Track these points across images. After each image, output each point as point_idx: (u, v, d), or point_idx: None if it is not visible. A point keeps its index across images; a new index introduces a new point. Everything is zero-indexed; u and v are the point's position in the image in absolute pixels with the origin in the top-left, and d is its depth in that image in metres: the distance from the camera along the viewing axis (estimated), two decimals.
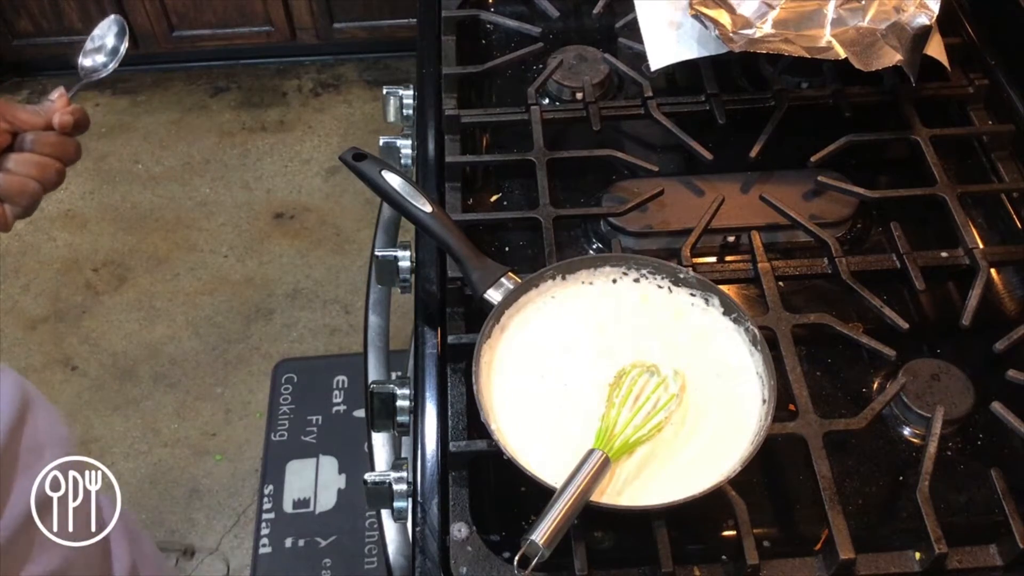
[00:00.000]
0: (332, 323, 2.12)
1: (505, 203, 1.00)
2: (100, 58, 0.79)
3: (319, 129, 2.54)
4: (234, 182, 2.42)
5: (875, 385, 0.82)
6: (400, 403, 0.84)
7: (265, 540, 1.78)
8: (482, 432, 0.71)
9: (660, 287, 0.80)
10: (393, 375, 0.91)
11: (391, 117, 1.13)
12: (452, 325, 0.83)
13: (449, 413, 0.77)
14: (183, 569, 1.75)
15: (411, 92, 1.11)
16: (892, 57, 0.92)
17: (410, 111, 1.10)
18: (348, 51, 2.67)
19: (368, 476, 0.81)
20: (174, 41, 2.53)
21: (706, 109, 1.01)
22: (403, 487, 0.80)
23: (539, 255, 0.87)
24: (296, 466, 1.89)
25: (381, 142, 1.09)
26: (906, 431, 0.78)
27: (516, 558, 0.62)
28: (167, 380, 2.03)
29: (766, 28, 0.96)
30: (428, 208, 0.79)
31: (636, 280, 0.80)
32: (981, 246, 0.86)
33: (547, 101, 1.06)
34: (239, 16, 2.48)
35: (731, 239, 0.92)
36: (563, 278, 0.80)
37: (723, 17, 0.96)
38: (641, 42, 1.02)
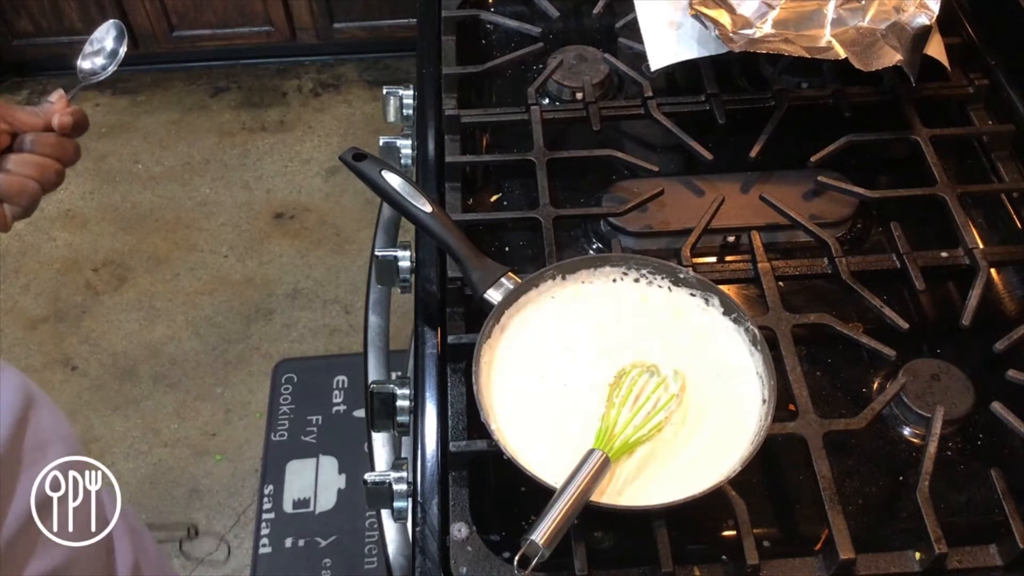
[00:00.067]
0: (332, 323, 2.12)
1: (505, 203, 1.00)
2: (99, 61, 0.80)
3: (319, 129, 2.54)
4: (234, 182, 2.42)
5: (875, 385, 0.82)
6: (400, 403, 0.84)
7: (265, 540, 1.78)
8: (482, 432, 0.71)
9: (660, 287, 0.80)
10: (393, 375, 0.91)
11: (391, 117, 1.13)
12: (452, 325, 0.83)
13: (449, 413, 0.77)
14: (188, 552, 1.76)
15: (411, 92, 1.11)
16: (892, 57, 0.92)
17: (410, 111, 1.10)
18: (348, 51, 2.67)
19: (368, 476, 0.81)
20: (174, 41, 2.53)
21: (706, 109, 1.01)
22: (403, 487, 0.80)
23: (539, 255, 0.87)
24: (296, 466, 1.89)
25: (381, 142, 1.09)
26: (906, 431, 0.78)
27: (516, 558, 0.62)
28: (167, 380, 2.03)
29: (766, 28, 0.96)
30: (428, 208, 0.79)
31: (636, 280, 0.80)
32: (981, 246, 0.86)
33: (547, 101, 1.06)
34: (239, 16, 2.48)
35: (731, 239, 0.92)
36: (563, 278, 0.80)
37: (723, 17, 0.96)
38: (641, 42, 1.02)
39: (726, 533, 0.71)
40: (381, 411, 0.85)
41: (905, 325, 0.80)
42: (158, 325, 2.13)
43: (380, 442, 0.91)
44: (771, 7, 0.97)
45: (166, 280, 2.22)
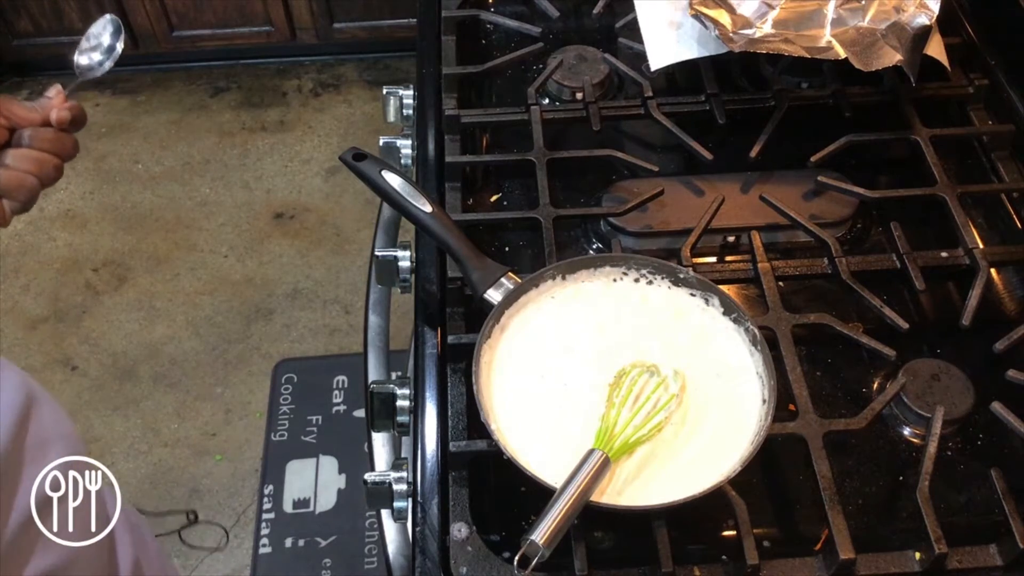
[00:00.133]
0: (332, 323, 2.12)
1: (505, 203, 1.00)
2: (96, 56, 0.79)
3: (319, 129, 2.54)
4: (234, 182, 2.42)
5: (875, 385, 0.82)
6: (400, 403, 0.84)
7: (265, 540, 1.78)
8: (482, 432, 0.71)
9: (660, 287, 0.80)
10: (393, 375, 0.91)
11: (391, 117, 1.13)
12: (452, 325, 0.83)
13: (449, 413, 0.77)
14: (188, 539, 1.77)
15: (411, 92, 1.11)
16: (892, 57, 0.92)
17: (410, 111, 1.10)
18: (348, 51, 2.67)
19: (368, 476, 0.81)
20: (174, 41, 2.53)
21: (706, 109, 1.01)
22: (403, 487, 0.80)
23: (539, 255, 0.87)
24: (296, 466, 1.89)
25: (381, 142, 1.09)
26: (906, 431, 0.78)
27: (516, 558, 0.62)
28: (167, 380, 2.03)
29: (766, 28, 0.96)
30: (428, 208, 0.79)
31: (636, 280, 0.80)
32: (981, 246, 0.86)
33: (547, 101, 1.06)
34: (239, 16, 2.48)
35: (731, 239, 0.92)
36: (563, 278, 0.80)
37: (723, 17, 0.96)
38: (641, 42, 1.02)
39: (726, 533, 0.71)
40: (381, 411, 0.85)
41: (905, 325, 0.80)
42: (158, 325, 2.13)
43: (380, 442, 0.92)
44: (771, 7, 0.97)
45: (166, 280, 2.22)
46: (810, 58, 0.92)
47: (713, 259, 0.91)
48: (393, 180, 0.80)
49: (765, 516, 0.73)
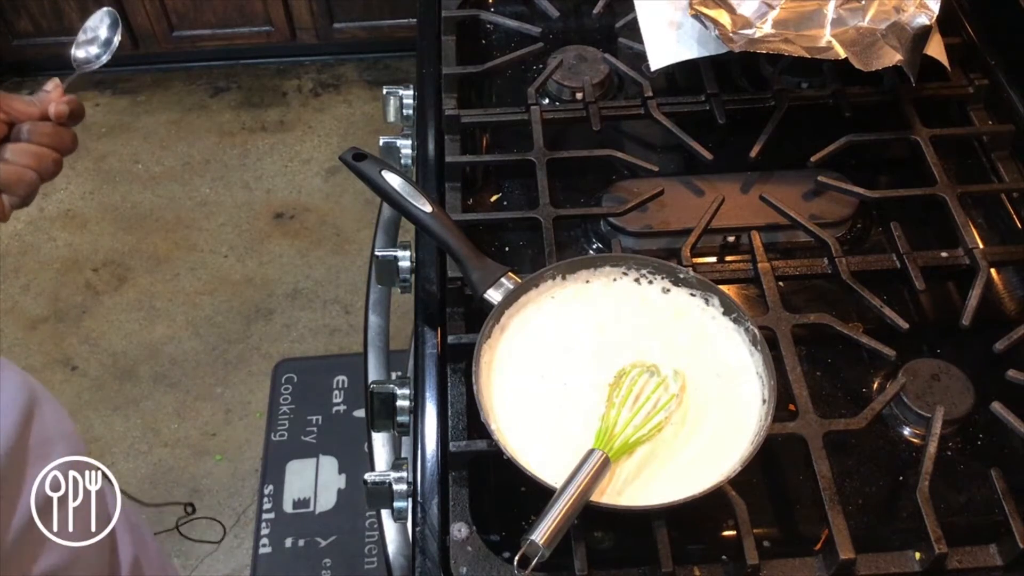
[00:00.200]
0: (332, 323, 2.12)
1: (505, 203, 1.00)
2: (93, 49, 0.79)
3: (319, 129, 2.54)
4: (234, 182, 2.42)
5: (875, 385, 0.82)
6: (400, 403, 0.84)
7: (265, 540, 1.78)
8: (482, 432, 0.71)
9: (660, 287, 0.80)
10: (393, 375, 0.91)
11: (391, 117, 1.13)
12: (452, 325, 0.83)
13: (449, 413, 0.77)
14: (188, 531, 1.78)
15: (411, 92, 1.11)
16: (892, 57, 0.92)
17: (410, 111, 1.10)
18: (348, 51, 2.67)
19: (368, 476, 0.81)
20: (174, 41, 2.53)
21: (706, 109, 1.01)
22: (403, 487, 0.80)
23: (539, 255, 0.87)
24: (296, 466, 1.89)
25: (381, 142, 1.09)
26: (906, 431, 0.78)
27: (516, 558, 0.62)
28: (167, 380, 2.03)
29: (766, 28, 0.96)
30: (428, 208, 0.79)
31: (636, 280, 0.80)
32: (981, 246, 0.86)
33: (547, 101, 1.06)
34: (239, 16, 2.48)
35: (731, 239, 0.92)
36: (563, 278, 0.80)
37: (723, 17, 0.96)
38: (641, 42, 1.02)
39: (726, 533, 0.71)
40: (381, 411, 0.85)
41: (905, 325, 0.80)
42: (158, 325, 2.13)
43: (380, 442, 0.91)
44: (771, 7, 0.97)
45: (166, 280, 2.22)
46: (810, 58, 0.92)
47: (713, 259, 0.91)
48: (393, 180, 0.80)
49: (765, 516, 0.73)
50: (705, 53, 0.98)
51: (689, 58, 0.98)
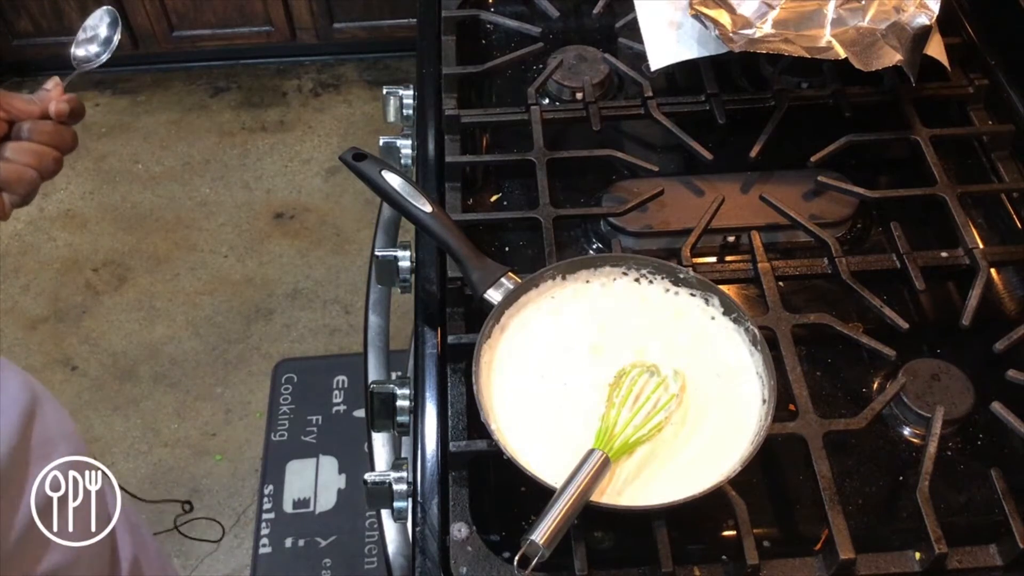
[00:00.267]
0: (332, 323, 2.12)
1: (505, 203, 1.00)
2: (93, 48, 0.80)
3: (319, 129, 2.54)
4: (234, 182, 2.42)
5: (875, 385, 0.82)
6: (400, 403, 0.84)
7: (265, 540, 1.78)
8: (482, 432, 0.71)
9: (660, 287, 0.80)
10: (393, 375, 0.91)
11: (391, 117, 1.13)
12: (452, 325, 0.83)
13: (449, 413, 0.77)
14: (188, 531, 1.78)
15: (411, 92, 1.11)
16: (892, 57, 0.92)
17: (410, 111, 1.10)
18: (348, 51, 2.67)
19: (368, 476, 0.81)
20: (174, 41, 2.53)
21: (706, 109, 1.01)
22: (403, 487, 0.80)
23: (539, 255, 0.87)
24: (296, 466, 1.89)
25: (381, 142, 1.09)
26: (906, 431, 0.78)
27: (516, 558, 0.62)
28: (167, 380, 2.03)
29: (766, 28, 0.96)
30: (428, 208, 0.79)
31: (636, 280, 0.80)
32: (981, 246, 0.86)
33: (547, 101, 1.06)
34: (239, 16, 2.48)
35: (731, 239, 0.92)
36: (563, 278, 0.80)
37: (723, 17, 0.96)
38: (641, 42, 1.02)
39: (726, 533, 0.71)
40: (381, 411, 0.85)
41: (905, 325, 0.80)
42: (158, 325, 2.13)
43: (380, 442, 0.91)
44: (771, 7, 0.97)
45: (166, 280, 2.22)
46: (810, 58, 0.92)
47: (713, 259, 0.92)
48: (393, 180, 0.80)
49: (765, 516, 0.73)
50: (705, 53, 0.98)
51: (689, 58, 0.98)
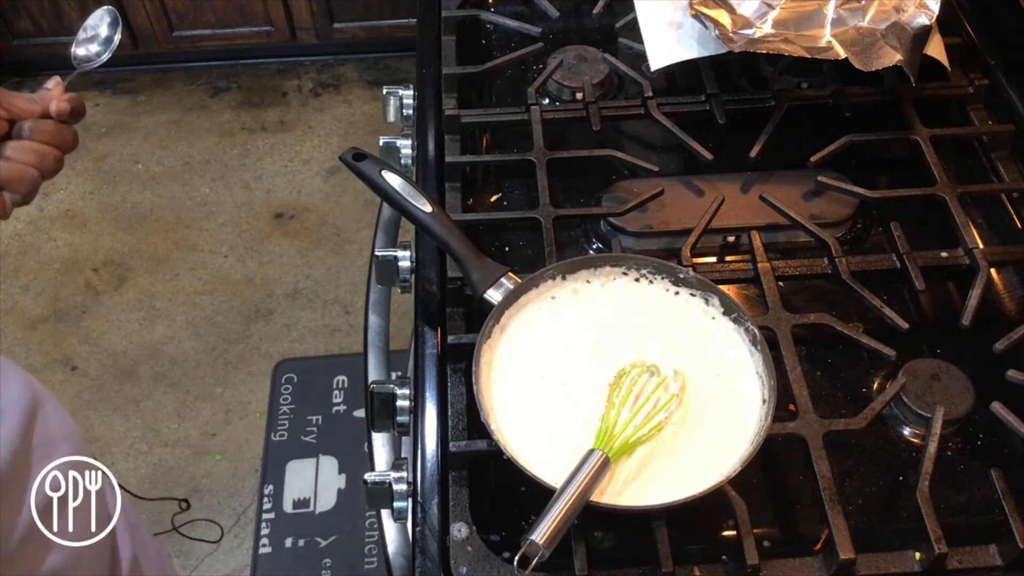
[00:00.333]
0: (332, 323, 2.12)
1: (505, 203, 1.00)
2: (94, 47, 0.80)
3: (319, 129, 2.54)
4: (234, 182, 2.42)
5: (875, 385, 0.82)
6: (400, 403, 0.84)
7: (265, 540, 1.78)
8: (482, 432, 0.71)
9: (660, 287, 0.80)
10: (393, 375, 0.91)
11: (391, 117, 1.13)
12: (452, 325, 0.83)
13: (449, 413, 0.77)
14: (188, 531, 1.78)
15: (411, 92, 1.11)
16: (892, 57, 0.92)
17: (410, 111, 1.10)
18: (348, 51, 2.67)
19: (368, 476, 0.81)
20: (174, 41, 2.53)
21: (706, 109, 1.01)
22: (403, 487, 0.80)
23: (539, 255, 0.87)
24: (296, 466, 1.89)
25: (381, 142, 1.09)
26: (906, 431, 0.78)
27: (516, 558, 0.62)
28: (167, 380, 2.03)
29: (766, 28, 0.96)
30: (428, 208, 0.79)
31: (636, 280, 0.80)
32: (981, 246, 0.86)
33: (547, 101, 1.06)
34: (239, 16, 2.48)
35: (731, 239, 0.92)
36: (563, 278, 0.80)
37: (723, 17, 0.96)
38: (641, 42, 1.02)
39: (726, 533, 0.71)
40: (381, 411, 0.85)
41: (905, 325, 0.80)
42: (158, 325, 2.13)
43: (380, 442, 0.91)
44: (771, 7, 0.97)
45: (166, 280, 2.22)
46: (810, 58, 0.92)
47: (713, 259, 0.91)
48: (393, 180, 0.80)
49: (765, 516, 0.73)
50: (705, 53, 0.98)
51: (689, 58, 0.98)
